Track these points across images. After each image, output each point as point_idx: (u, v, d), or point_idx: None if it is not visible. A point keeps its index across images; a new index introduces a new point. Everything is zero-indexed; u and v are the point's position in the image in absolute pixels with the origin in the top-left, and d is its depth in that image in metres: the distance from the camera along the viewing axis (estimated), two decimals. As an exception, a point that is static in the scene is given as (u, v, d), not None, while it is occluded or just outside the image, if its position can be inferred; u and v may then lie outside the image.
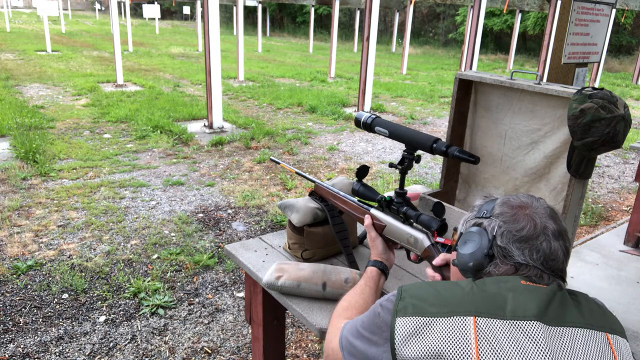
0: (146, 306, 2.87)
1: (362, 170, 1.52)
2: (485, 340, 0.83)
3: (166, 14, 38.24)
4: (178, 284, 3.15)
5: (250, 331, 2.23)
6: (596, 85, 12.70)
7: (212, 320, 2.80)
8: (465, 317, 0.85)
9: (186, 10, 30.59)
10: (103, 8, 41.35)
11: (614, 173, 6.11)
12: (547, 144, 1.83)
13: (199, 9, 20.39)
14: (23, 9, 40.81)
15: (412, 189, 2.19)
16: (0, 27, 23.67)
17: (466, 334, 0.84)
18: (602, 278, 3.32)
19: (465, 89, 2.03)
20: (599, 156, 4.94)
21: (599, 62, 12.62)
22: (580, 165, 1.65)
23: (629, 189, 5.51)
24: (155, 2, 24.12)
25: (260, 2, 20.63)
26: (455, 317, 0.86)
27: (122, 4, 22.55)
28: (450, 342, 0.84)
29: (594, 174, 5.95)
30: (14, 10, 39.40)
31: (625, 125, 1.52)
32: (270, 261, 1.65)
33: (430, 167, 5.92)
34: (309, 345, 2.65)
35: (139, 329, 2.70)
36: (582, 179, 1.71)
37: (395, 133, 1.48)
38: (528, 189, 1.93)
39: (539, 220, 0.95)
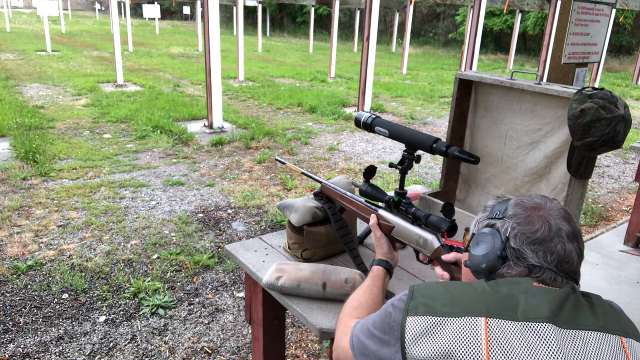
0: (146, 306, 2.87)
1: (370, 171, 1.52)
2: (496, 341, 0.83)
3: (166, 14, 38.23)
4: (178, 284, 3.14)
5: (250, 331, 2.23)
6: (596, 85, 12.70)
7: (212, 320, 2.80)
8: (476, 318, 0.85)
9: (186, 10, 30.60)
10: (103, 8, 41.35)
11: (614, 173, 6.11)
12: (547, 144, 1.83)
13: (199, 9, 20.38)
14: (23, 9, 40.81)
15: (412, 189, 2.19)
16: (0, 27, 23.66)
17: (477, 334, 0.84)
18: (602, 278, 3.32)
19: (466, 89, 2.03)
20: (599, 156, 4.94)
21: (599, 62, 12.62)
22: (581, 165, 1.65)
23: (629, 189, 5.51)
24: (155, 2, 24.11)
25: (260, 2, 20.63)
26: (466, 317, 0.86)
27: (122, 4, 22.55)
28: (461, 342, 0.84)
29: (594, 174, 5.95)
30: (14, 10, 39.39)
31: (625, 125, 1.52)
32: (270, 261, 1.65)
33: (430, 167, 5.92)
34: (309, 345, 2.65)
35: (139, 329, 2.70)
36: (582, 179, 1.71)
37: (395, 133, 1.48)
38: (528, 189, 1.93)
39: (553, 222, 0.94)
